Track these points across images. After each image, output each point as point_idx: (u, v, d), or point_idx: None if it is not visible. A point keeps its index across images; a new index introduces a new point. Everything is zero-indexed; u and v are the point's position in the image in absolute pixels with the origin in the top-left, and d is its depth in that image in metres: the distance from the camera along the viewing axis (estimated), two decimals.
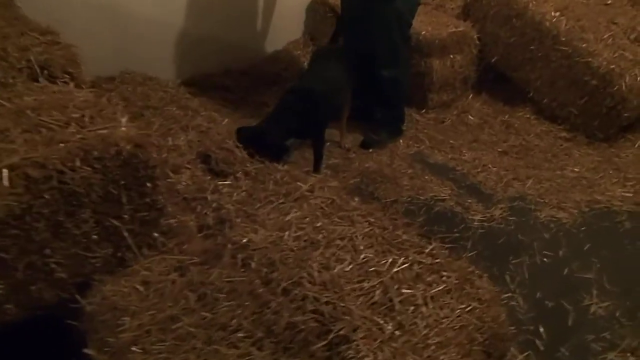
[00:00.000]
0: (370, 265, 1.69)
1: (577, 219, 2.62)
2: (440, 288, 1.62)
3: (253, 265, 1.68)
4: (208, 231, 1.85)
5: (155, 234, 1.58)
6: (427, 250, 1.77)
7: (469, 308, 1.58)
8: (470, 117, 3.43)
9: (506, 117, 3.43)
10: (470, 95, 3.57)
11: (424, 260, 1.73)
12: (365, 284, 1.61)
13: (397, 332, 1.45)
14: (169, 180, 2.03)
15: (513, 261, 2.35)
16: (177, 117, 2.48)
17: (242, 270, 1.67)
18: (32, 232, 1.35)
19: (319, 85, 2.54)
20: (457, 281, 1.65)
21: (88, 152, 1.34)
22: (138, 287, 1.52)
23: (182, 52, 3.35)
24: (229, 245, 1.74)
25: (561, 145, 3.20)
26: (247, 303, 1.50)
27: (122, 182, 1.40)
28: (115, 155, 1.37)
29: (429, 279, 1.66)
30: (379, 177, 2.83)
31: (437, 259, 1.74)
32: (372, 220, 1.89)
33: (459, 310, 1.56)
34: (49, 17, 2.63)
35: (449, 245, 2.42)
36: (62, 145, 1.33)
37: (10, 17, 1.91)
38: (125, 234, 1.45)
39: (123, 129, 1.42)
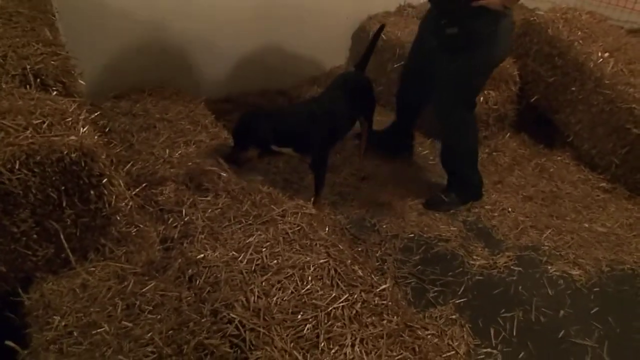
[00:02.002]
0: (311, 297, 1.64)
1: (591, 278, 2.38)
2: (374, 331, 1.54)
3: (199, 282, 1.70)
4: (170, 243, 1.90)
5: (103, 241, 1.64)
6: (377, 290, 1.69)
7: (398, 357, 1.48)
8: (503, 157, 3.24)
9: (542, 160, 3.20)
10: (507, 134, 3.37)
11: (369, 300, 1.65)
12: (299, 316, 1.58)
13: None
14: (152, 190, 2.11)
15: (503, 314, 2.17)
16: (185, 131, 2.57)
17: (187, 286, 1.70)
18: None
19: (320, 108, 2.52)
20: (396, 327, 1.56)
21: (30, 156, 1.43)
22: (76, 289, 1.59)
23: (222, 70, 3.50)
24: (181, 259, 1.77)
25: (597, 196, 2.92)
26: (169, 319, 1.51)
27: (63, 188, 1.48)
28: (56, 162, 1.45)
29: (367, 320, 1.58)
30: (387, 210, 2.76)
31: (384, 300, 1.66)
32: (333, 252, 1.84)
33: (386, 358, 1.47)
34: (93, 30, 2.89)
35: (438, 289, 2.32)
36: (9, 148, 1.43)
37: (28, 28, 2.08)
38: (62, 236, 1.52)
39: (73, 137, 1.50)
